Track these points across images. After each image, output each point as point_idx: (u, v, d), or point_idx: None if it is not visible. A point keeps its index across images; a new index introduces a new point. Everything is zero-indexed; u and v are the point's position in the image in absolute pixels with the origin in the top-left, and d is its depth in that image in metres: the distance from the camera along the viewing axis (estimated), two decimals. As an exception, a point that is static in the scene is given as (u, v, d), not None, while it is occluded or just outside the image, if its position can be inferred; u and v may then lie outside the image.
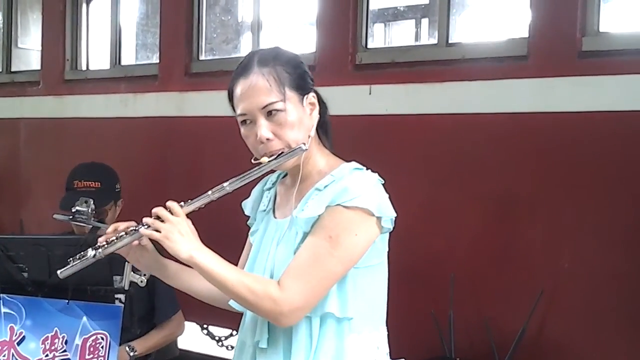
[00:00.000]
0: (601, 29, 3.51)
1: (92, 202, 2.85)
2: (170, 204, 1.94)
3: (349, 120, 4.00)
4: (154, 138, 5.19)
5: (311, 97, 2.02)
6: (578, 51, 3.49)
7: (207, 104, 4.90)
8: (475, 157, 3.79)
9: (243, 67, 2.00)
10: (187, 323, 3.80)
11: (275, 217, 2.11)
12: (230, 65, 4.90)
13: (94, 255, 2.02)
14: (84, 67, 5.93)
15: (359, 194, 1.92)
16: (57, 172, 3.90)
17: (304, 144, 1.94)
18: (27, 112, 6.19)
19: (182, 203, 1.95)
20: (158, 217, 1.93)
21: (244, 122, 1.99)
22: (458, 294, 3.66)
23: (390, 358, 3.57)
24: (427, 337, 3.74)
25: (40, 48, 6.17)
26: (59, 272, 2.09)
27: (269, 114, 1.94)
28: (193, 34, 5.07)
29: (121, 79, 5.49)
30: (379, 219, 1.95)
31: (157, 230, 1.91)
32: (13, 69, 6.60)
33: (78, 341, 2.81)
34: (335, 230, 1.90)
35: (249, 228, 2.22)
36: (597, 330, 3.46)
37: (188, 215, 1.95)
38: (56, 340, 2.83)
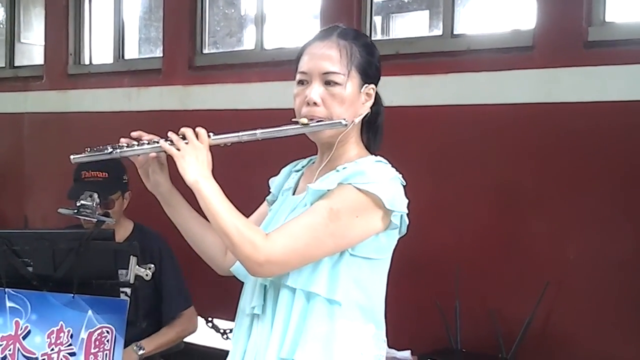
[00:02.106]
0: (607, 19, 3.50)
1: (97, 196, 2.83)
2: (199, 129, 1.96)
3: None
4: (158, 132, 5.16)
5: (371, 88, 2.04)
6: (584, 41, 3.48)
7: (211, 97, 4.89)
8: (480, 149, 3.78)
9: (323, 32, 2.05)
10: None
11: (294, 195, 2.13)
12: (234, 58, 4.97)
13: (111, 152, 2.03)
14: (87, 62, 5.92)
15: (374, 181, 1.92)
16: (61, 167, 3.88)
17: (345, 119, 1.95)
18: (30, 107, 6.19)
19: (211, 134, 1.96)
20: (184, 137, 1.94)
21: (300, 82, 2.03)
22: (464, 285, 3.65)
23: (396, 349, 3.60)
24: (432, 328, 3.73)
25: (43, 43, 6.15)
26: (72, 157, 2.10)
27: (327, 83, 1.98)
28: (196, 28, 5.06)
29: (125, 73, 5.48)
30: (387, 212, 1.94)
31: (177, 149, 1.93)
32: (16, 64, 6.59)
33: (83, 335, 2.80)
34: (338, 204, 1.91)
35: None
36: (603, 321, 3.45)
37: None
38: (62, 334, 2.81)
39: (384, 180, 1.95)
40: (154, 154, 2.02)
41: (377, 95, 2.10)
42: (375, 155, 2.07)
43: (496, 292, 3.70)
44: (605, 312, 3.44)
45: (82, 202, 2.80)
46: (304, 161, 2.23)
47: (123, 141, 2.05)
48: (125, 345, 2.97)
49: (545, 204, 3.62)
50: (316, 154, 2.14)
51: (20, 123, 6.27)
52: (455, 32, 3.94)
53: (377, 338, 2.05)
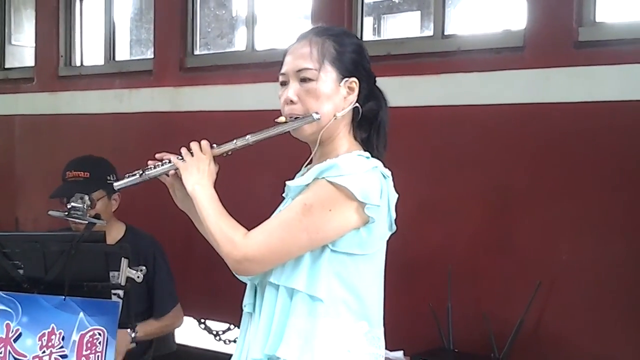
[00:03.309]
0: (597, 19, 3.50)
1: (87, 199, 2.82)
2: (203, 142, 2.07)
3: (345, 113, 3.98)
4: (149, 133, 5.17)
5: (352, 82, 2.05)
6: (574, 41, 3.48)
7: (202, 99, 4.89)
8: (471, 149, 3.78)
9: (302, 33, 2.11)
10: (185, 318, 3.79)
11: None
12: (225, 59, 4.96)
13: (141, 174, 2.15)
14: (78, 63, 5.91)
15: (346, 173, 1.93)
16: (52, 169, 3.88)
17: (317, 112, 1.99)
18: (21, 109, 6.17)
19: (214, 145, 2.07)
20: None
21: (282, 83, 2.09)
22: (456, 286, 3.64)
23: (389, 350, 3.59)
24: (425, 329, 3.73)
25: (34, 44, 6.13)
26: (115, 184, 2.23)
27: (302, 80, 2.03)
28: (187, 29, 5.04)
29: (115, 75, 5.47)
30: (361, 204, 1.94)
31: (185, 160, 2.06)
32: (7, 66, 6.57)
33: (75, 337, 2.79)
34: (311, 199, 1.95)
35: None
36: (596, 322, 3.45)
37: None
38: (53, 337, 2.81)
39: (358, 172, 1.95)
40: (173, 171, 2.12)
41: (374, 91, 2.11)
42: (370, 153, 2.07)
43: (488, 293, 3.70)
44: (598, 313, 3.44)
45: (73, 204, 2.79)
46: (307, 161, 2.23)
47: (150, 163, 2.15)
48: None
49: (537, 205, 3.62)
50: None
51: (11, 125, 6.25)
52: (446, 33, 3.94)
53: (371, 336, 2.05)
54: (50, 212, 2.91)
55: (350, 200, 1.93)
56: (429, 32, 4.06)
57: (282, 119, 2.06)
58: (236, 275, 2.11)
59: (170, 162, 2.11)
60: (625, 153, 3.39)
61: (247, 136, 2.04)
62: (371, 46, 4.23)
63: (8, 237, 3.00)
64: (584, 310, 3.48)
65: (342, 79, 2.04)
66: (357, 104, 2.07)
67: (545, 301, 3.51)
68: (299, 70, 2.03)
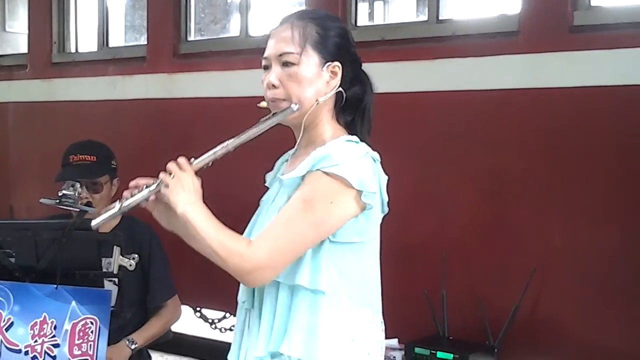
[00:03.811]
0: (593, 3, 3.48)
1: (79, 186, 2.81)
2: (180, 159, 1.97)
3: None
4: (143, 120, 5.15)
5: (335, 66, 2.02)
6: (569, 26, 3.46)
7: (196, 85, 4.86)
8: (466, 135, 3.76)
9: (284, 17, 2.08)
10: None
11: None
12: (219, 45, 4.94)
13: (120, 208, 2.04)
14: (71, 50, 5.86)
15: (340, 162, 1.92)
16: (46, 156, 3.86)
17: (295, 104, 1.97)
18: (14, 96, 6.13)
19: (192, 159, 1.97)
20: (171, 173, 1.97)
21: (265, 67, 2.06)
22: (450, 273, 3.63)
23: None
24: (420, 316, 3.72)
25: (27, 31, 6.10)
26: (93, 222, 2.14)
27: (284, 64, 2.00)
28: (181, 15, 5.01)
29: (109, 61, 5.44)
30: (358, 192, 1.93)
31: (165, 185, 1.95)
32: (1, 53, 6.53)
33: (67, 326, 2.77)
34: (311, 194, 1.92)
35: None
36: (590, 307, 3.44)
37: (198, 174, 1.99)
38: (45, 326, 2.79)
39: (351, 160, 1.94)
40: (153, 197, 2.02)
41: (360, 75, 2.09)
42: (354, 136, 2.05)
43: (483, 280, 3.69)
44: (592, 299, 3.43)
45: (64, 191, 2.78)
46: (292, 150, 2.21)
47: (125, 194, 2.04)
48: (112, 337, 2.96)
49: (531, 190, 3.60)
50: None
51: (5, 113, 6.22)
52: (440, 18, 3.91)
53: (375, 323, 2.05)
54: (41, 200, 2.88)
55: (349, 189, 1.92)
56: (424, 17, 4.03)
57: (263, 103, 2.04)
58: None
59: (147, 186, 2.00)
60: (621, 138, 3.37)
61: (226, 142, 1.97)
62: (365, 31, 4.27)
63: (-1, 225, 2.98)
64: (579, 296, 3.48)
65: (325, 63, 2.01)
66: (340, 89, 2.04)
67: (540, 287, 3.51)
68: (281, 55, 2.01)
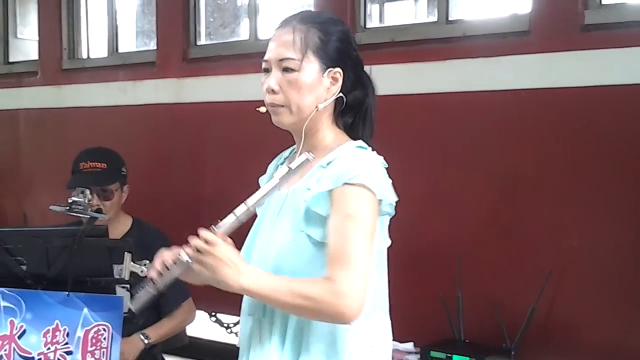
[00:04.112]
0: (604, 1, 3.46)
1: (88, 193, 2.80)
2: (203, 234, 1.87)
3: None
4: (154, 125, 5.14)
5: (336, 72, 1.99)
6: (581, 25, 3.43)
7: (206, 89, 4.85)
8: (478, 136, 3.74)
9: (285, 19, 2.04)
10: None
11: (279, 190, 2.05)
12: (229, 49, 4.92)
13: (154, 289, 2.01)
14: (81, 56, 5.87)
15: (361, 172, 1.90)
16: (58, 163, 3.86)
17: (310, 152, 1.89)
18: (26, 103, 6.14)
19: (213, 227, 1.90)
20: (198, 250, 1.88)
21: (265, 70, 2.02)
22: (466, 275, 3.60)
23: (399, 341, 3.56)
24: (435, 319, 3.70)
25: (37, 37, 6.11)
26: (130, 305, 2.09)
27: (285, 69, 1.97)
28: (190, 19, 5.00)
29: (119, 67, 5.43)
30: (379, 201, 1.92)
31: (199, 262, 1.87)
32: (12, 60, 6.53)
33: (80, 333, 2.76)
34: (351, 208, 1.88)
35: None
36: (607, 309, 3.41)
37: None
38: (57, 333, 2.78)
39: (369, 169, 1.93)
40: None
41: (362, 78, 2.07)
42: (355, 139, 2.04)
43: (499, 282, 3.66)
44: (609, 300, 3.40)
45: (74, 198, 2.77)
46: (286, 152, 2.20)
47: (152, 275, 2.00)
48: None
49: (546, 191, 3.57)
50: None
51: (16, 119, 6.22)
52: (450, 18, 3.89)
53: (386, 325, 2.05)
54: (51, 207, 2.88)
55: (372, 195, 1.91)
56: (434, 18, 4.01)
57: (263, 108, 2.02)
58: None
59: (181, 263, 1.92)
60: (636, 138, 3.33)
61: (246, 202, 1.90)
62: (375, 33, 4.24)
63: (10, 232, 2.96)
64: (595, 298, 3.44)
65: (326, 69, 1.98)
66: (340, 94, 2.02)
67: (557, 289, 3.48)
68: (282, 60, 1.98)
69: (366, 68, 3.99)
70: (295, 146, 2.15)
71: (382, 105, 3.94)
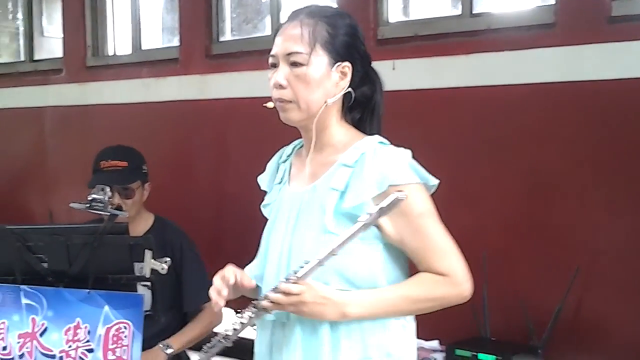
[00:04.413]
0: (631, -8, 3.39)
1: (108, 190, 2.78)
2: (284, 287, 1.85)
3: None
4: (177, 122, 5.13)
5: (345, 66, 1.96)
6: (608, 16, 3.37)
7: (230, 85, 4.83)
8: (504, 131, 3.69)
9: (293, 13, 2.01)
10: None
11: (290, 188, 2.05)
12: (252, 45, 4.90)
13: (228, 339, 1.99)
14: (106, 53, 5.88)
15: (402, 170, 1.90)
16: (83, 160, 3.86)
17: (401, 191, 1.83)
18: (51, 101, 6.15)
19: (292, 277, 1.85)
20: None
21: (272, 65, 1.99)
22: (492, 272, 3.55)
23: (424, 339, 3.52)
24: (461, 317, 3.62)
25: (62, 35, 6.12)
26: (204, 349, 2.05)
27: (292, 64, 1.93)
28: (212, 15, 4.99)
29: (143, 64, 5.43)
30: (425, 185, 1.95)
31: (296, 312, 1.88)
32: (37, 58, 6.56)
33: (101, 331, 2.75)
34: (415, 208, 1.90)
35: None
36: (637, 306, 3.34)
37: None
38: (79, 331, 2.77)
39: (407, 163, 1.93)
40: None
41: (369, 73, 2.04)
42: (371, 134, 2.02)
43: (526, 279, 3.61)
44: (638, 297, 3.33)
45: (94, 195, 2.75)
46: (288, 149, 2.16)
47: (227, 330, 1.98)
48: (149, 343, 2.93)
49: (574, 187, 3.52)
50: (297, 139, 2.10)
51: (42, 117, 6.25)
52: (474, 11, 3.83)
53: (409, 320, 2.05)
54: (72, 205, 2.87)
55: (422, 185, 1.95)
56: (457, 11, 3.96)
57: (270, 104, 1.99)
58: None
59: (251, 317, 1.91)
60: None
61: (330, 248, 1.83)
62: (397, 27, 4.20)
63: (31, 230, 2.95)
64: (624, 295, 3.38)
65: (335, 63, 1.95)
66: (349, 89, 1.99)
67: (585, 286, 3.42)
68: (289, 54, 1.94)
69: (389, 63, 3.99)
70: (298, 142, 2.12)
71: (406, 100, 3.95)
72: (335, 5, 4.30)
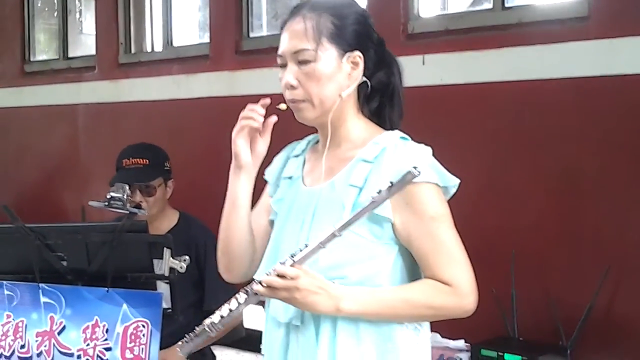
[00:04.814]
0: (667, -17, 3.28)
1: (127, 188, 2.75)
2: (280, 269, 1.75)
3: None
4: (208, 119, 5.11)
5: (356, 56, 1.88)
6: (644, 8, 3.27)
7: (259, 81, 4.78)
8: (535, 127, 3.61)
9: (295, 8, 1.93)
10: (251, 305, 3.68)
11: (305, 185, 1.97)
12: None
13: (213, 330, 1.93)
14: (138, 50, 5.87)
15: (423, 167, 1.78)
16: (115, 158, 3.85)
17: (415, 167, 1.72)
18: (84, 98, 6.17)
19: (293, 258, 1.76)
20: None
21: (281, 66, 1.92)
22: (521, 271, 3.49)
23: (450, 338, 3.45)
24: (488, 317, 3.54)
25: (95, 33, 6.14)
26: (179, 350, 2.00)
27: (300, 62, 1.86)
28: (242, 11, 4.96)
29: (174, 60, 5.42)
30: (444, 188, 1.85)
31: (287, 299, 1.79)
32: (72, 55, 6.58)
33: (119, 329, 2.72)
34: (429, 209, 1.82)
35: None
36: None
37: None
38: (97, 329, 2.74)
39: (427, 161, 1.84)
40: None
41: (385, 58, 1.94)
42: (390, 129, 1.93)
43: (555, 278, 3.54)
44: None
45: (112, 194, 2.73)
46: (302, 143, 2.07)
47: (213, 319, 1.92)
48: (166, 340, 2.89)
49: (606, 184, 3.43)
50: (311, 134, 2.02)
51: (75, 114, 6.27)
52: (506, 5, 3.75)
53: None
54: (90, 203, 2.85)
55: (440, 188, 1.84)
56: (489, 5, 3.87)
57: (283, 105, 1.92)
58: None
59: (241, 304, 1.85)
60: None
61: (335, 231, 1.74)
62: (429, 21, 4.12)
63: (50, 228, 2.92)
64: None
65: (344, 54, 1.86)
66: (364, 79, 1.90)
67: (615, 286, 3.34)
68: (296, 52, 1.86)
69: (418, 57, 3.92)
70: (312, 137, 2.03)
71: (436, 95, 3.87)
72: (365, 2, 4.25)
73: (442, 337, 3.39)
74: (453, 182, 1.87)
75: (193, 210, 3.63)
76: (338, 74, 1.86)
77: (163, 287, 2.97)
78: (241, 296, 1.85)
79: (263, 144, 1.99)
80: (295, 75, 1.87)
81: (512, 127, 3.68)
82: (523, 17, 3.67)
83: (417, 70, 3.91)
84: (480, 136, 3.78)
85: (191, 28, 6.62)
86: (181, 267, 2.75)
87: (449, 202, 1.89)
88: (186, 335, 1.98)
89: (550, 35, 3.55)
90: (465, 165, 3.69)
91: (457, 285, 1.81)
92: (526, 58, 3.61)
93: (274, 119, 1.95)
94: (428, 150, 1.88)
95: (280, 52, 1.91)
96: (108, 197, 2.74)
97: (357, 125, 1.93)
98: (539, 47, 3.57)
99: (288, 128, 1.99)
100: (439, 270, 1.81)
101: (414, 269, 1.88)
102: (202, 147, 5.11)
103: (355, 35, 1.89)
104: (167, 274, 2.76)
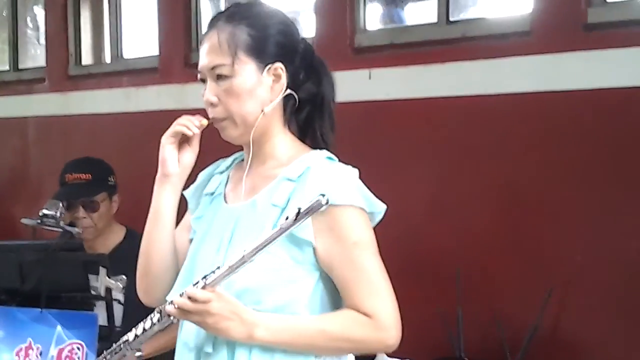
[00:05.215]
0: (607, -1, 3.29)
1: (60, 205, 2.70)
2: (190, 291, 1.67)
3: (349, 107, 3.80)
4: (156, 132, 5.04)
5: (278, 68, 1.79)
6: (583, 24, 3.27)
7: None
8: (479, 143, 3.59)
9: (213, 18, 1.85)
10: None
11: (226, 202, 1.89)
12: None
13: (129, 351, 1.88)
14: (87, 62, 5.81)
15: (345, 190, 1.73)
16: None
17: (323, 195, 1.64)
18: (34, 110, 6.09)
19: (204, 282, 1.67)
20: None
21: (202, 80, 1.84)
22: (466, 290, 3.45)
23: (397, 358, 3.42)
24: (434, 336, 3.55)
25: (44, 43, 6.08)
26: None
27: (219, 77, 1.78)
28: (191, 24, 4.92)
29: (123, 73, 5.36)
30: (370, 214, 1.77)
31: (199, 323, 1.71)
32: (22, 67, 6.50)
33: (53, 352, 2.67)
34: (352, 234, 1.73)
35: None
36: (613, 325, 3.24)
37: None
38: (30, 352, 2.68)
39: (352, 184, 1.76)
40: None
41: (314, 66, 1.85)
42: (319, 148, 1.85)
43: (500, 297, 3.51)
44: (615, 317, 3.24)
45: (45, 211, 2.68)
46: (228, 160, 1.99)
47: (129, 337, 1.86)
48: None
49: (549, 202, 3.42)
50: (238, 151, 1.94)
51: (24, 126, 6.19)
52: (450, 19, 3.75)
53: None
54: (23, 220, 2.80)
55: (365, 213, 1.76)
56: (433, 19, 3.87)
57: (204, 121, 1.85)
58: None
59: (152, 320, 1.77)
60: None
61: (242, 255, 1.65)
62: (374, 36, 4.11)
63: (-20, 247, 2.89)
64: (601, 314, 3.28)
65: (264, 67, 1.78)
66: (288, 91, 1.82)
67: (561, 304, 3.32)
68: (213, 67, 1.78)
69: (365, 72, 3.90)
70: (239, 154, 1.95)
71: (382, 110, 3.86)
72: (313, 16, 4.23)
73: (389, 356, 3.36)
74: (379, 208, 1.79)
75: (141, 226, 3.57)
76: (259, 88, 1.78)
77: (116, 308, 2.91)
78: (155, 316, 1.77)
79: (191, 155, 1.93)
80: (214, 92, 1.80)
81: (457, 143, 3.66)
82: (467, 31, 3.65)
83: (364, 85, 3.90)
84: (425, 151, 3.75)
85: (145, 40, 6.57)
86: (117, 287, 2.71)
87: (383, 224, 1.82)
88: (104, 352, 1.92)
89: (493, 49, 3.54)
90: (409, 180, 3.70)
91: (377, 318, 1.71)
92: (470, 73, 3.60)
93: (202, 125, 1.88)
94: (355, 172, 1.80)
95: (199, 68, 1.84)
96: (40, 214, 2.69)
97: (283, 142, 1.85)
98: (482, 61, 3.56)
99: (222, 144, 1.94)
100: (360, 300, 1.72)
101: (335, 298, 1.80)
102: (151, 162, 5.03)
103: (277, 46, 1.80)
104: (103, 294, 2.72)
